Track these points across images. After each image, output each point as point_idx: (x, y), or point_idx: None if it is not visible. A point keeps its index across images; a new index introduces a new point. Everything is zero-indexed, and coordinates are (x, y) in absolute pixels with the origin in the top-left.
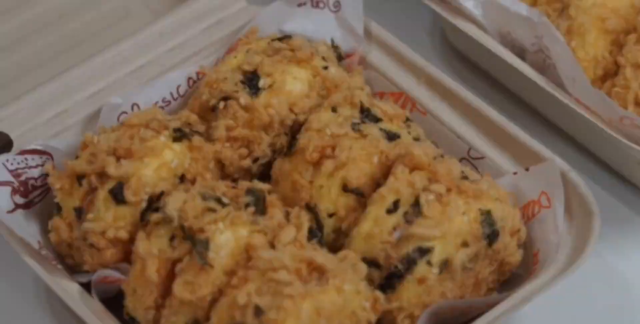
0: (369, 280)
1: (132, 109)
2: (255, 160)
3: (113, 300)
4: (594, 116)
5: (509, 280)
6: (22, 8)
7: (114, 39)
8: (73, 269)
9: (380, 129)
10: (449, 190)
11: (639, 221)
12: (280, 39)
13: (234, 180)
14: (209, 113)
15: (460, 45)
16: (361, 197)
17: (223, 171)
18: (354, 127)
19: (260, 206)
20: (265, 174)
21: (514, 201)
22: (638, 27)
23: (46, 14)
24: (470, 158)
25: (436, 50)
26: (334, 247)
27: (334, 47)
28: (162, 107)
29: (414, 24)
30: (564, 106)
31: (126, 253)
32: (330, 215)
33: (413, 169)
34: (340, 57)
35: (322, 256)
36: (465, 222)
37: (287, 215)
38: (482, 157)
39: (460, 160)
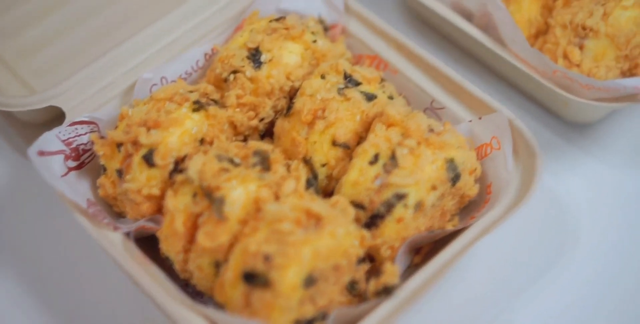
0: (357, 220)
1: (161, 81)
2: (261, 120)
3: (153, 237)
4: (531, 68)
5: (467, 206)
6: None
7: (146, 23)
8: (120, 215)
9: (361, 92)
10: (419, 143)
11: (570, 149)
12: (277, 20)
13: (245, 137)
14: (222, 83)
15: (422, 13)
16: (348, 149)
17: (236, 130)
18: (339, 91)
19: (265, 164)
20: (270, 131)
21: (471, 145)
22: None
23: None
24: (434, 108)
25: (404, 17)
26: (327, 190)
27: (321, 21)
28: (185, 79)
29: None
30: (507, 62)
31: (159, 206)
32: (323, 165)
33: (389, 126)
34: (326, 29)
35: (317, 205)
36: (434, 170)
37: (288, 168)
38: (442, 108)
39: (425, 110)
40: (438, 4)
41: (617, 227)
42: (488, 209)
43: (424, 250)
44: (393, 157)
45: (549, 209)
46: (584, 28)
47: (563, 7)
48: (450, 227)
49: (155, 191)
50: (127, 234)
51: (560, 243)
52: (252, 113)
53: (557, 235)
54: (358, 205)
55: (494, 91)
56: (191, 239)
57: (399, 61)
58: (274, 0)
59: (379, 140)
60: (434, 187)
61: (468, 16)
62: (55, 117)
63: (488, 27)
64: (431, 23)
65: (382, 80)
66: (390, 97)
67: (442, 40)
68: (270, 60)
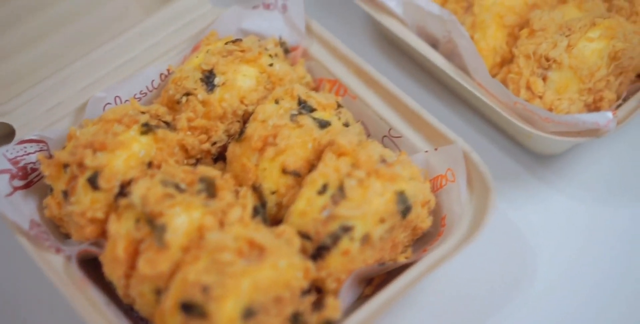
0: (303, 250)
1: (115, 101)
2: (214, 144)
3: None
4: (493, 98)
5: (422, 237)
6: (22, 20)
7: (104, 41)
8: (67, 236)
9: (314, 119)
10: (368, 175)
11: (532, 180)
12: (233, 42)
13: (198, 160)
14: (175, 105)
15: (390, 36)
16: (299, 177)
17: (187, 153)
18: (292, 118)
19: (211, 191)
20: (223, 154)
21: (426, 175)
22: (530, 22)
23: (53, 18)
24: (391, 136)
25: (374, 39)
26: (277, 218)
27: (282, 43)
28: (139, 99)
29: (358, 19)
30: (469, 91)
31: (103, 230)
32: (273, 192)
33: (340, 155)
34: (287, 51)
35: (261, 235)
36: (382, 202)
37: (237, 194)
38: (400, 136)
39: (383, 138)
40: (404, 30)
41: (574, 260)
42: (441, 242)
43: (375, 281)
44: (341, 188)
45: (508, 240)
46: (547, 59)
47: (528, 37)
48: (402, 259)
49: (99, 215)
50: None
51: (517, 276)
52: (204, 136)
53: (514, 267)
54: (305, 235)
55: (460, 117)
56: (132, 265)
57: (358, 87)
58: (235, 20)
59: (328, 170)
60: (382, 220)
61: (434, 42)
62: (5, 134)
63: (453, 54)
64: (399, 46)
65: (339, 106)
66: (346, 124)
67: (411, 64)
68: (223, 84)
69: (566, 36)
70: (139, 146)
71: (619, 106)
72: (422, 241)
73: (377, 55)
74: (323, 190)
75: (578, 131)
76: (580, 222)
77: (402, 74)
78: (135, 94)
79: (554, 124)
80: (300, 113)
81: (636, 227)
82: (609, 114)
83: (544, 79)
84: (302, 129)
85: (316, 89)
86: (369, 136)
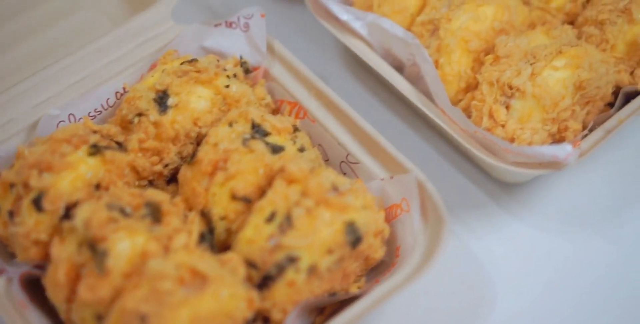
0: (250, 279)
1: (69, 119)
2: (166, 166)
3: None
4: (455, 126)
5: (377, 267)
6: None
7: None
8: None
9: (267, 143)
10: (317, 204)
11: (494, 209)
12: (189, 62)
13: (150, 182)
14: (128, 125)
15: (357, 58)
16: (249, 203)
17: (138, 175)
18: (244, 142)
19: (156, 216)
20: (177, 175)
21: (380, 203)
22: (495, 48)
23: (14, 32)
24: (349, 162)
25: (343, 58)
26: (226, 243)
27: (242, 63)
28: (93, 117)
29: (328, 39)
30: (430, 119)
31: (47, 252)
32: (222, 218)
33: (290, 182)
34: (247, 71)
35: (204, 263)
36: (330, 233)
37: (186, 218)
38: (357, 163)
39: (341, 163)
40: (368, 52)
41: (535, 291)
42: (393, 273)
43: (327, 311)
44: (289, 217)
45: (467, 271)
46: (510, 87)
47: (492, 64)
48: (355, 290)
49: (43, 237)
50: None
51: (476, 307)
52: (155, 158)
53: (473, 299)
54: (252, 264)
55: (426, 142)
56: (74, 289)
57: (318, 110)
58: (196, 38)
59: (276, 197)
60: (330, 251)
61: (400, 65)
62: None
63: (419, 78)
64: (367, 68)
65: (296, 130)
66: (302, 149)
67: (379, 86)
68: (177, 105)
69: (531, 64)
70: (86, 168)
71: (585, 136)
72: (377, 270)
73: (346, 76)
74: (271, 218)
75: (539, 162)
76: (541, 252)
77: (370, 95)
78: (89, 112)
79: (513, 154)
80: (253, 137)
81: (598, 259)
82: (569, 147)
83: (507, 107)
84: (253, 154)
85: (276, 110)
86: (327, 161)
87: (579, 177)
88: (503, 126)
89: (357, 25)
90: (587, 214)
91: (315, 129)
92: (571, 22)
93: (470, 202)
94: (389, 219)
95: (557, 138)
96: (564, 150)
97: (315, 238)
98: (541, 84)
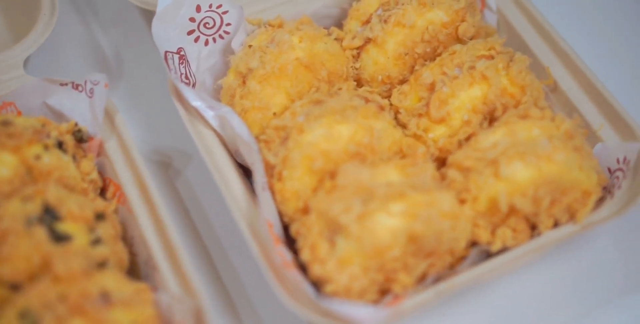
0: None
1: None
2: None
3: None
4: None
5: None
6: None
7: None
8: None
9: (53, 231)
10: (72, 313)
11: None
12: (3, 124)
13: None
14: None
15: None
16: (16, 289)
17: None
18: (28, 224)
19: None
20: None
21: (161, 320)
22: (336, 174)
23: None
24: (149, 265)
25: None
26: None
27: (76, 131)
28: None
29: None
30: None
31: None
32: None
33: (55, 281)
34: (82, 140)
35: None
36: None
37: None
38: (156, 268)
39: (144, 264)
40: (215, 146)
41: None
42: None
43: None
44: (36, 322)
45: None
46: (336, 223)
47: (328, 191)
48: None
49: None
50: None
51: None
52: None
53: None
54: None
55: None
56: None
57: (135, 201)
58: (40, 94)
59: (33, 295)
60: None
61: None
62: None
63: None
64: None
65: (101, 218)
66: (96, 242)
67: None
68: None
69: (363, 202)
70: None
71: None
72: None
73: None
74: (24, 316)
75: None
76: None
77: None
78: None
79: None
80: (40, 220)
81: None
82: (369, 310)
83: (333, 244)
84: (30, 240)
85: (104, 189)
86: (135, 256)
87: None
88: (322, 263)
89: (209, 115)
90: None
91: (130, 220)
92: (444, 160)
93: None
94: None
95: (383, 289)
96: (364, 311)
97: None
98: (369, 227)
